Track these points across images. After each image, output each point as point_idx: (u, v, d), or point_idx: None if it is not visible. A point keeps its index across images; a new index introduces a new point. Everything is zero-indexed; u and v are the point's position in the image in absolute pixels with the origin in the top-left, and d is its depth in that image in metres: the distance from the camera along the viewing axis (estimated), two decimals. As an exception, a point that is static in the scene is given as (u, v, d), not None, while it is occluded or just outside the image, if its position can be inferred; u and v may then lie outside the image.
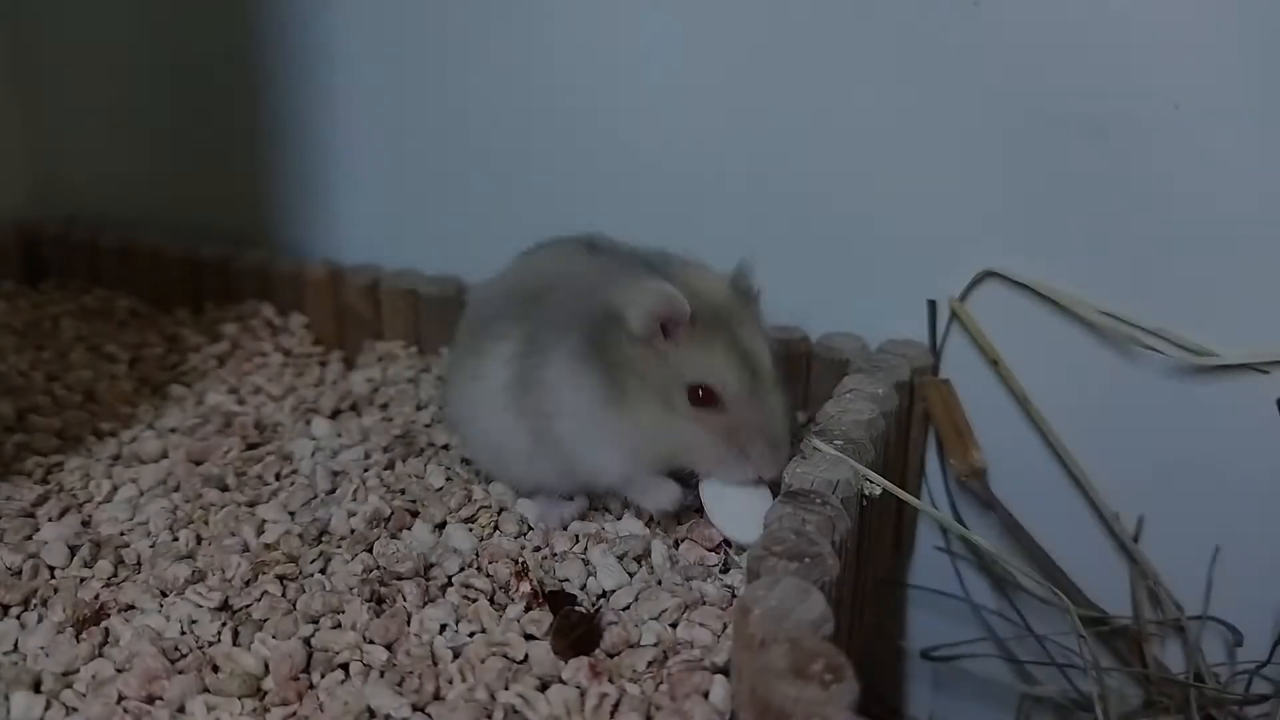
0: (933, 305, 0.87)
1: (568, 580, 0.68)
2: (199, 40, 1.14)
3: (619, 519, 0.75)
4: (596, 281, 0.72)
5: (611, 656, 0.61)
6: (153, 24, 1.16)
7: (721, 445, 0.68)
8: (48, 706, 0.58)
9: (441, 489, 0.78)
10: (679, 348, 0.68)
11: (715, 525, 0.70)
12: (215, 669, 0.60)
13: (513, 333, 0.73)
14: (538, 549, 0.71)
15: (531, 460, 0.73)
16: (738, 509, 0.69)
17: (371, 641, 0.61)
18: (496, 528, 0.73)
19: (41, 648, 0.62)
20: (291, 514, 0.75)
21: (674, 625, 0.63)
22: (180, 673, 0.59)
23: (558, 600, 0.65)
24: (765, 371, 0.69)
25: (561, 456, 0.71)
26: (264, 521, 0.74)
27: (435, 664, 0.60)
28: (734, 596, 0.66)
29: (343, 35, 1.05)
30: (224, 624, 0.63)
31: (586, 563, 0.69)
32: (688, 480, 0.71)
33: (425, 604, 0.65)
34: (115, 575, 0.69)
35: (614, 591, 0.66)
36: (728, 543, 0.70)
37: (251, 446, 0.85)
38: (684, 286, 0.68)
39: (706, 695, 0.56)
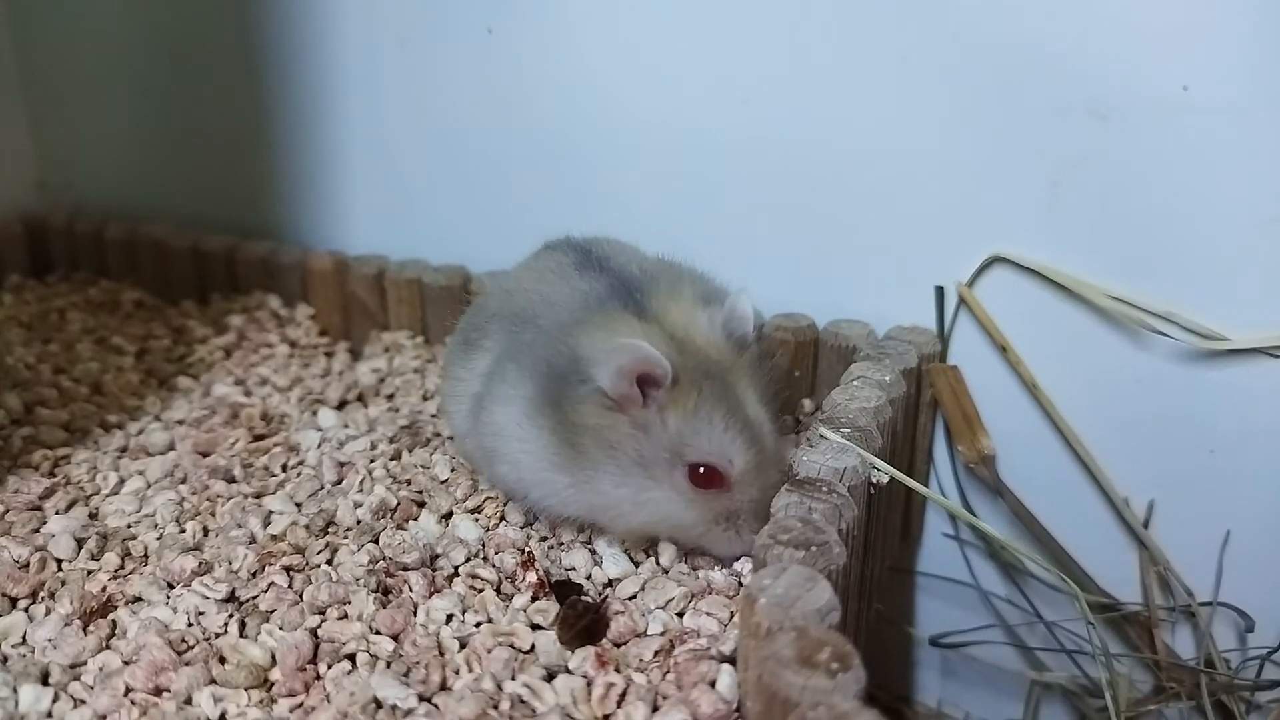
0: (940, 291, 0.86)
1: (574, 569, 0.68)
2: (204, 31, 1.13)
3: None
4: (570, 319, 0.65)
5: (618, 646, 0.61)
6: (157, 15, 1.16)
7: (714, 523, 0.63)
8: (55, 699, 0.58)
9: (447, 479, 0.78)
10: (664, 415, 0.60)
11: None
12: (222, 660, 0.60)
13: (490, 348, 0.70)
14: (544, 539, 0.71)
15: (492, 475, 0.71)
16: None
17: (378, 632, 0.61)
18: (502, 518, 0.73)
19: (49, 640, 0.62)
20: (298, 505, 0.75)
21: (680, 614, 0.63)
22: (187, 664, 0.59)
23: (564, 590, 0.65)
24: (770, 442, 0.63)
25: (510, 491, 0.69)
26: (270, 513, 0.74)
27: (442, 654, 0.60)
28: (741, 585, 0.65)
29: (347, 25, 1.05)
30: (231, 615, 0.63)
31: (593, 552, 0.69)
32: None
33: (431, 594, 0.65)
34: (122, 567, 0.69)
35: (620, 580, 0.66)
36: None
37: (258, 438, 0.85)
38: (667, 332, 0.62)
39: (713, 684, 0.56)
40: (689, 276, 0.72)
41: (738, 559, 0.66)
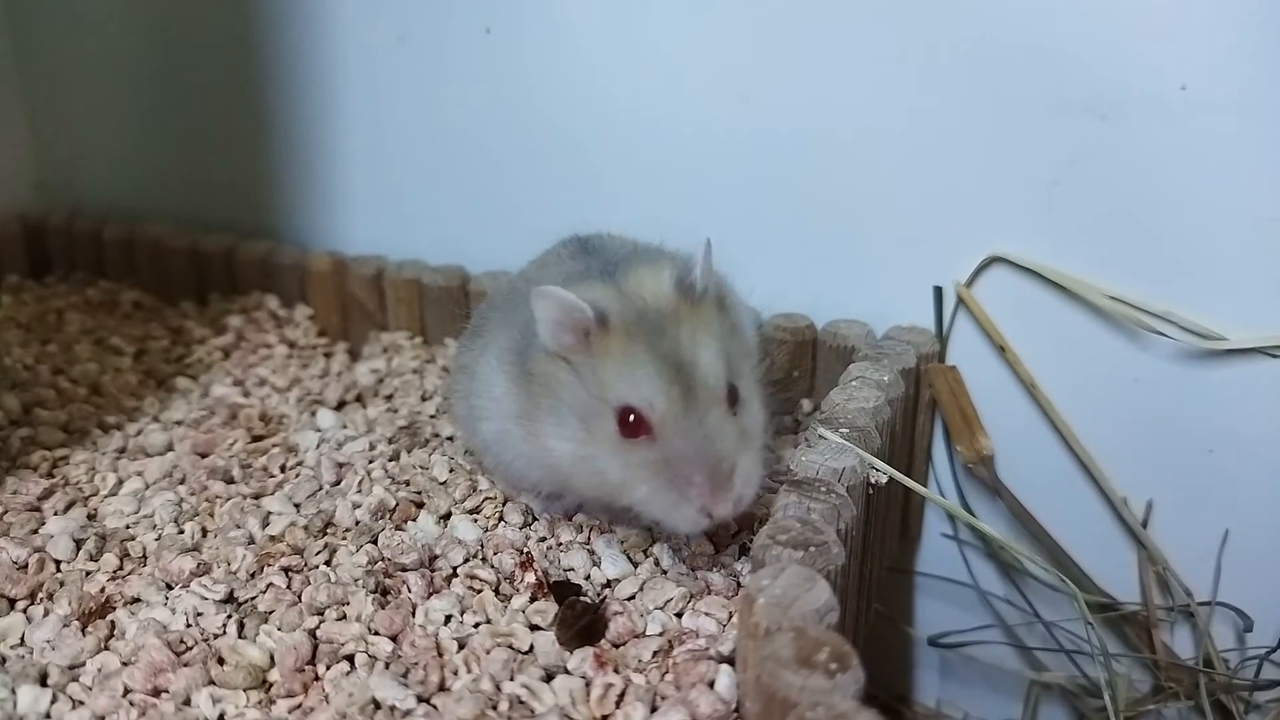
0: (939, 291, 0.86)
1: (572, 570, 0.68)
2: (202, 31, 1.13)
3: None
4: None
5: (617, 646, 0.61)
6: (156, 16, 1.16)
7: (655, 481, 0.58)
8: (54, 700, 0.58)
9: (446, 480, 0.78)
10: (595, 361, 0.59)
11: None
12: (221, 661, 0.60)
13: (490, 333, 0.72)
14: (542, 539, 0.71)
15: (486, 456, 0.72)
16: None
17: (377, 633, 0.61)
18: (501, 518, 0.73)
19: (48, 641, 0.62)
20: (297, 506, 0.75)
21: (679, 615, 0.63)
22: (186, 665, 0.59)
23: (563, 590, 0.65)
24: (704, 384, 0.58)
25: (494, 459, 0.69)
26: (269, 514, 0.74)
27: (440, 655, 0.60)
28: (739, 585, 0.65)
29: (346, 25, 1.05)
30: (229, 616, 0.63)
31: (591, 552, 0.69)
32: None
33: (430, 595, 0.65)
34: (121, 568, 0.69)
35: (619, 581, 0.66)
36: None
37: (257, 439, 0.85)
38: (619, 289, 0.60)
39: (712, 685, 0.56)
40: (683, 259, 0.70)
41: (690, 534, 0.62)
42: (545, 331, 0.60)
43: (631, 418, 0.57)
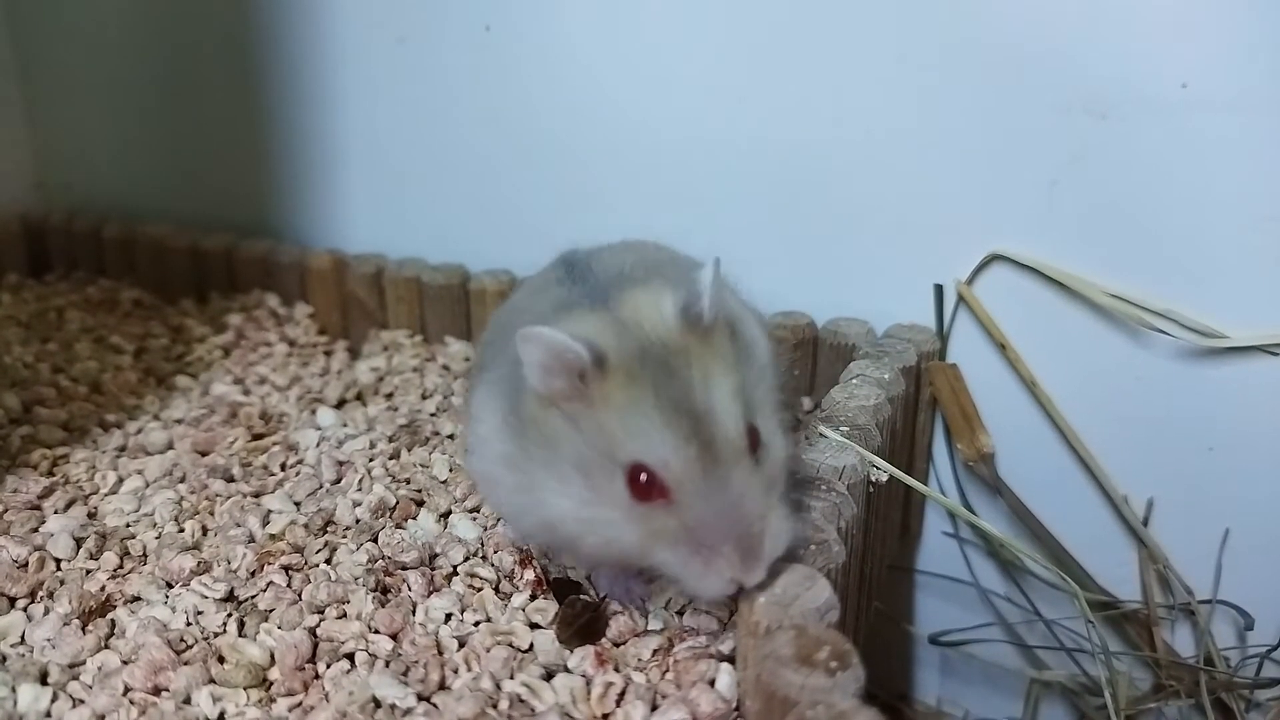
0: (939, 289, 0.86)
1: (572, 568, 0.68)
2: (202, 31, 1.13)
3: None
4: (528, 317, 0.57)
5: (617, 645, 0.61)
6: (155, 16, 1.16)
7: (677, 550, 0.51)
8: (54, 698, 0.58)
9: (446, 479, 0.78)
10: (595, 409, 0.51)
11: None
12: (221, 660, 0.60)
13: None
14: (543, 537, 0.71)
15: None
16: None
17: (377, 631, 0.61)
18: (501, 517, 0.73)
19: (48, 640, 0.62)
20: (297, 504, 0.75)
21: (680, 613, 0.63)
22: (186, 664, 0.59)
23: (563, 589, 0.65)
24: (724, 436, 0.50)
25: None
26: (269, 512, 0.74)
27: (440, 653, 0.60)
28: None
29: (346, 24, 1.05)
30: (229, 615, 0.63)
31: (592, 551, 0.69)
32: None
33: (430, 593, 0.65)
34: (121, 567, 0.69)
35: (619, 579, 0.66)
36: None
37: (257, 437, 0.85)
38: (615, 318, 0.53)
39: (712, 683, 0.56)
40: (685, 264, 0.65)
41: (720, 598, 0.54)
42: (534, 376, 0.52)
43: (644, 477, 0.50)
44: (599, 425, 0.51)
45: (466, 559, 0.68)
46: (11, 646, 0.62)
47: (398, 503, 0.74)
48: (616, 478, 0.51)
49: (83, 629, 0.62)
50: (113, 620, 0.64)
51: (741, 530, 0.50)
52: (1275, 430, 0.78)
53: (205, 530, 0.72)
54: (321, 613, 0.63)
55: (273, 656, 0.60)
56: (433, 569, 0.67)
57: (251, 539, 0.71)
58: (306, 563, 0.68)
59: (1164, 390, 0.80)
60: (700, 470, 0.50)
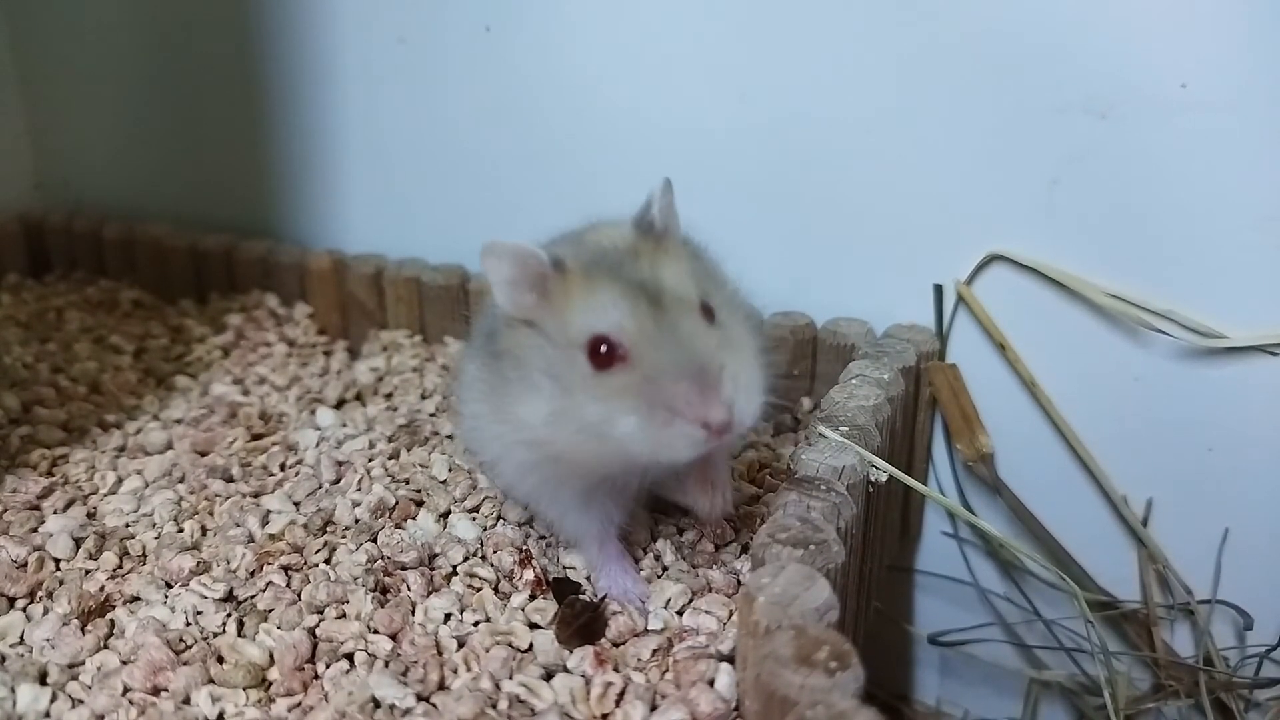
0: (939, 289, 0.86)
1: (572, 568, 0.68)
2: (202, 30, 1.13)
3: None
4: None
5: (617, 645, 0.61)
6: (155, 15, 1.16)
7: (639, 407, 0.52)
8: (54, 699, 0.58)
9: (446, 479, 0.78)
10: (554, 310, 0.56)
11: None
12: (220, 660, 0.60)
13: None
14: (542, 537, 0.71)
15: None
16: None
17: (376, 631, 0.61)
18: (500, 517, 0.73)
19: (47, 640, 0.62)
20: (296, 504, 0.75)
21: (680, 613, 0.63)
22: (185, 664, 0.59)
23: (562, 588, 0.65)
24: (672, 295, 0.54)
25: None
26: (269, 512, 0.74)
27: (440, 654, 0.60)
28: (739, 583, 0.65)
29: (346, 24, 1.05)
30: (229, 615, 0.63)
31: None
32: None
33: (429, 594, 0.65)
34: (120, 567, 0.69)
35: (619, 579, 0.66)
36: None
37: (256, 437, 0.85)
38: (579, 240, 0.59)
39: (712, 683, 0.56)
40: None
41: (691, 456, 0.54)
42: (503, 295, 0.57)
43: (603, 348, 0.53)
44: (561, 321, 0.55)
45: (466, 559, 0.68)
46: (11, 646, 0.62)
47: (397, 503, 0.74)
48: (579, 359, 0.54)
49: (82, 629, 0.63)
50: (112, 620, 0.64)
51: (695, 368, 0.52)
52: (1275, 430, 0.78)
53: (204, 530, 0.73)
54: (321, 613, 0.63)
55: (272, 657, 0.60)
56: (432, 569, 0.67)
57: (251, 539, 0.71)
58: (306, 563, 0.68)
59: (1163, 390, 0.80)
60: (652, 323, 0.53)
